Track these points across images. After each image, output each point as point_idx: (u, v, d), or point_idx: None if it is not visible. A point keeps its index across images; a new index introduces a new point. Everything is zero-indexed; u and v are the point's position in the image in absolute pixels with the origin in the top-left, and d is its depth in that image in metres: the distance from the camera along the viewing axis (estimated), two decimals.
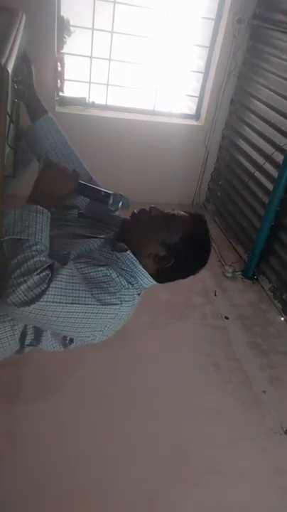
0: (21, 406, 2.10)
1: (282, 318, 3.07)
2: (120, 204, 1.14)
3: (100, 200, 1.16)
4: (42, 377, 2.26)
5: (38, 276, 0.92)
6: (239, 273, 3.43)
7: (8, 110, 0.89)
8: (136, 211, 1.17)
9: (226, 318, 2.98)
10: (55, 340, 1.16)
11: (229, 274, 3.39)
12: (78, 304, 0.97)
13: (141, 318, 2.71)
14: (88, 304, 0.98)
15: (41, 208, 1.02)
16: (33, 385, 2.22)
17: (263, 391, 2.47)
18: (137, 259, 1.11)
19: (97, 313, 1.01)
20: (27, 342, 1.15)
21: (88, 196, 1.20)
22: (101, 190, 1.16)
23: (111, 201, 1.14)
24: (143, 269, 1.12)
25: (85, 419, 2.11)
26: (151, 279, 1.14)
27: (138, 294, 1.12)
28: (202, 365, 2.57)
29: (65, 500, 1.79)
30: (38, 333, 1.14)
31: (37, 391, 2.20)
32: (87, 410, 2.15)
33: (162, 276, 1.16)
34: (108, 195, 1.15)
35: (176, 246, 1.11)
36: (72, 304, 0.96)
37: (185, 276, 1.19)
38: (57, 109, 3.58)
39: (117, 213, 1.19)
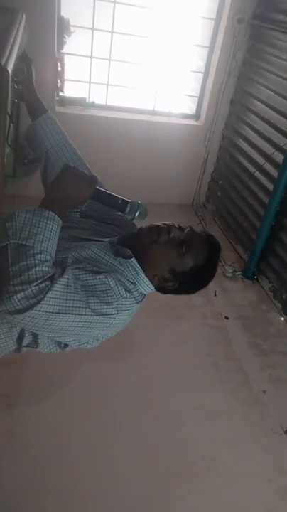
0: (21, 406, 2.10)
1: (282, 318, 3.07)
2: (137, 213, 1.11)
3: (117, 207, 1.12)
4: (43, 378, 2.26)
5: (37, 287, 0.89)
6: (239, 273, 3.43)
7: (8, 110, 0.89)
8: (153, 230, 1.12)
9: (226, 318, 2.98)
10: (52, 343, 1.15)
11: (229, 274, 3.39)
12: (72, 314, 0.95)
13: (142, 318, 2.68)
14: (82, 314, 0.97)
15: (53, 214, 0.98)
16: (34, 385, 2.22)
17: (263, 391, 2.47)
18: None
19: (91, 322, 0.99)
20: (24, 343, 1.15)
21: (104, 203, 1.15)
22: (118, 198, 1.11)
23: (128, 209, 1.10)
24: (145, 278, 1.11)
25: (85, 419, 2.11)
26: (152, 287, 1.14)
27: (137, 302, 1.09)
28: (202, 365, 2.57)
29: (65, 500, 1.79)
30: (35, 334, 1.13)
31: (37, 391, 2.20)
32: (87, 410, 2.15)
33: (162, 290, 1.18)
34: (125, 203, 1.10)
35: (184, 273, 1.12)
36: (66, 313, 0.94)
37: (184, 294, 1.21)
38: (57, 109, 3.58)
39: (135, 221, 1.15)
